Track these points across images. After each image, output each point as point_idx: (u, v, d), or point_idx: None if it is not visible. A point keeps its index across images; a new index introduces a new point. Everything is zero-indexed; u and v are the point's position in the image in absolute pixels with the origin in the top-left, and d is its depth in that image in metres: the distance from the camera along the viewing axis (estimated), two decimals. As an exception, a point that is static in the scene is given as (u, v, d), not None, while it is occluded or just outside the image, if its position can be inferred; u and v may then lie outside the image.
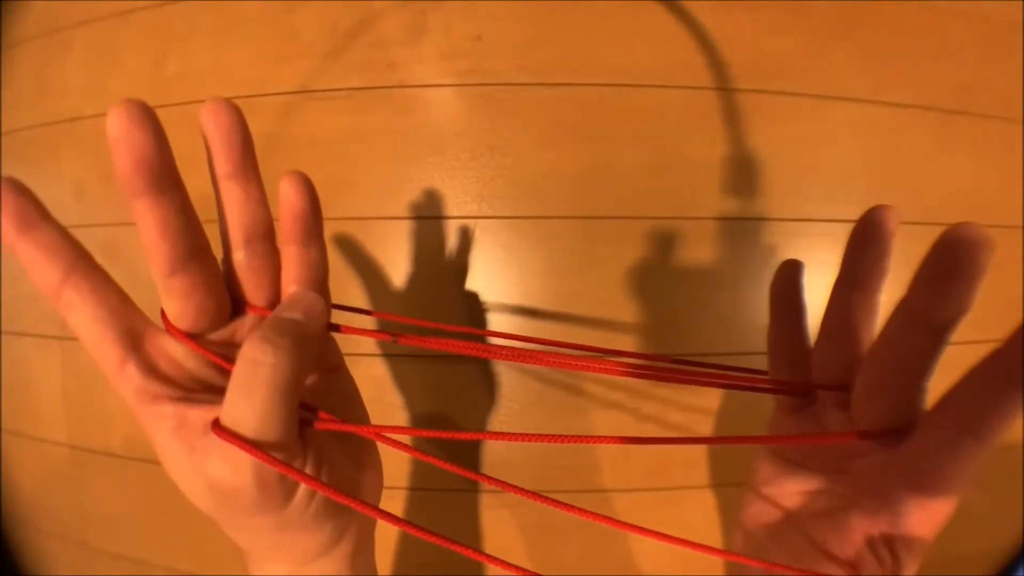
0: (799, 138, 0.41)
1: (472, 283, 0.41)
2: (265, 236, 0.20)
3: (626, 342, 0.41)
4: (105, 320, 0.17)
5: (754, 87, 0.40)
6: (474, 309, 0.41)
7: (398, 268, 0.41)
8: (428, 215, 0.41)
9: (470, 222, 0.41)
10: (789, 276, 0.22)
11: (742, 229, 0.41)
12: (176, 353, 0.19)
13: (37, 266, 0.16)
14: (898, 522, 0.16)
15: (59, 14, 0.47)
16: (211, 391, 0.19)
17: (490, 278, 0.41)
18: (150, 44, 0.45)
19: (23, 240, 0.16)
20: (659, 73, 0.40)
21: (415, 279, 0.41)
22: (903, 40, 0.42)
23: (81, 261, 0.17)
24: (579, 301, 0.41)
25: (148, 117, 0.16)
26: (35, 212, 0.16)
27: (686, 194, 0.40)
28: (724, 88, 0.40)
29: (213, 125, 0.19)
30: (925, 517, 0.16)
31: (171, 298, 0.18)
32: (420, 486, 0.42)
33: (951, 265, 0.15)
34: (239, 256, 0.19)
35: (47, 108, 0.48)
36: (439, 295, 0.41)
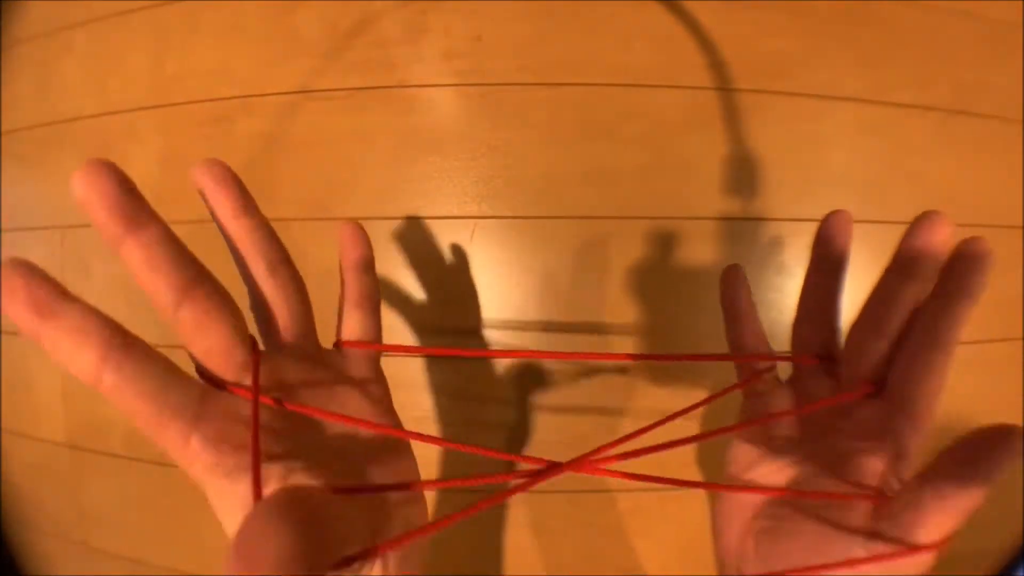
0: (799, 138, 0.41)
1: (472, 283, 0.41)
2: (285, 260, 0.20)
3: (626, 341, 0.41)
4: (155, 397, 0.15)
5: (754, 87, 0.40)
6: (474, 309, 0.41)
7: (398, 268, 0.41)
8: (428, 215, 0.41)
9: (470, 222, 0.41)
10: (734, 279, 0.25)
11: (742, 229, 0.41)
12: (241, 412, 0.17)
13: (67, 354, 0.15)
14: (902, 448, 0.19)
15: (59, 14, 0.47)
16: (283, 439, 0.17)
17: (490, 278, 0.41)
18: (150, 44, 0.45)
19: (46, 328, 0.15)
20: (659, 73, 0.40)
21: (415, 279, 0.41)
22: (903, 40, 0.42)
23: (116, 337, 0.15)
24: (579, 301, 0.41)
25: (110, 170, 0.16)
26: (52, 294, 0.15)
27: (686, 194, 0.40)
28: (724, 88, 0.40)
29: (207, 178, 0.18)
30: (920, 439, 0.19)
31: (186, 335, 0.17)
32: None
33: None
34: (268, 286, 0.19)
35: (47, 108, 0.48)
36: (439, 295, 0.41)
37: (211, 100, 0.43)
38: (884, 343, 0.20)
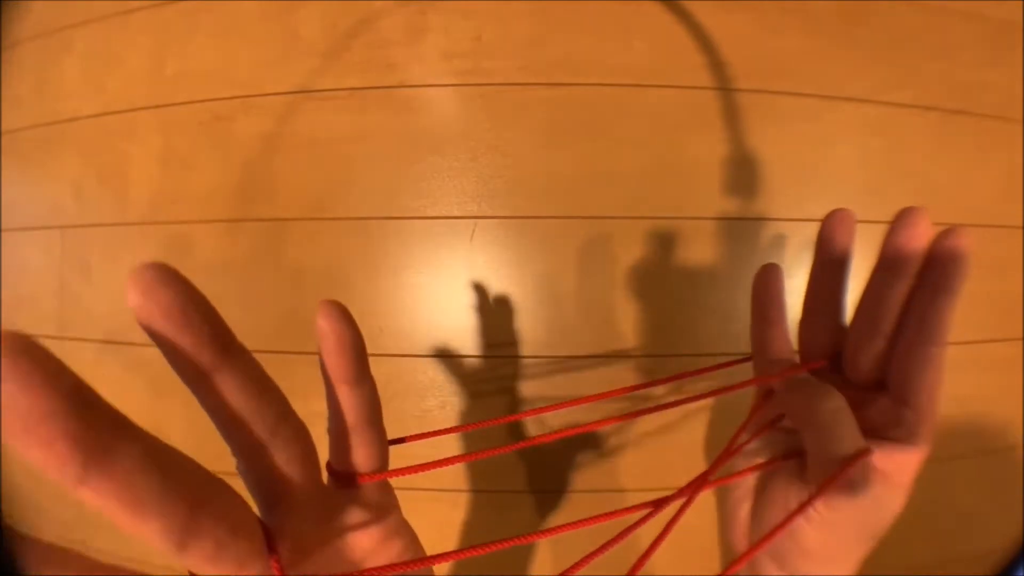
0: (799, 138, 0.41)
1: (471, 283, 0.41)
2: (287, 414, 0.16)
3: (625, 342, 0.41)
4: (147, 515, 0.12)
5: (754, 87, 0.40)
6: (474, 309, 0.41)
7: (398, 268, 0.41)
8: (428, 215, 0.41)
9: (470, 222, 0.41)
10: (770, 278, 0.24)
11: (742, 229, 0.41)
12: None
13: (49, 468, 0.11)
14: (911, 436, 0.20)
15: (59, 14, 0.47)
16: None
17: (490, 278, 0.41)
18: (150, 44, 0.45)
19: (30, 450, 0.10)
20: (659, 73, 0.40)
21: (415, 279, 0.41)
22: (903, 40, 0.42)
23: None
24: (579, 301, 0.41)
25: (39, 361, 0.10)
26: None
27: (686, 194, 0.40)
28: (724, 88, 0.40)
29: (329, 331, 0.16)
30: (928, 429, 0.20)
31: (198, 566, 0.13)
32: (419, 487, 0.42)
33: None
34: (271, 453, 0.16)
35: (47, 108, 0.48)
36: (439, 295, 0.41)
37: (211, 100, 0.43)
38: (881, 340, 0.21)
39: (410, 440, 0.20)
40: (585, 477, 0.42)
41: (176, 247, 0.43)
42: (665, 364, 0.41)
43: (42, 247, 0.47)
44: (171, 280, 0.13)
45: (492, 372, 0.42)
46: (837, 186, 0.41)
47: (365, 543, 0.18)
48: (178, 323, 0.13)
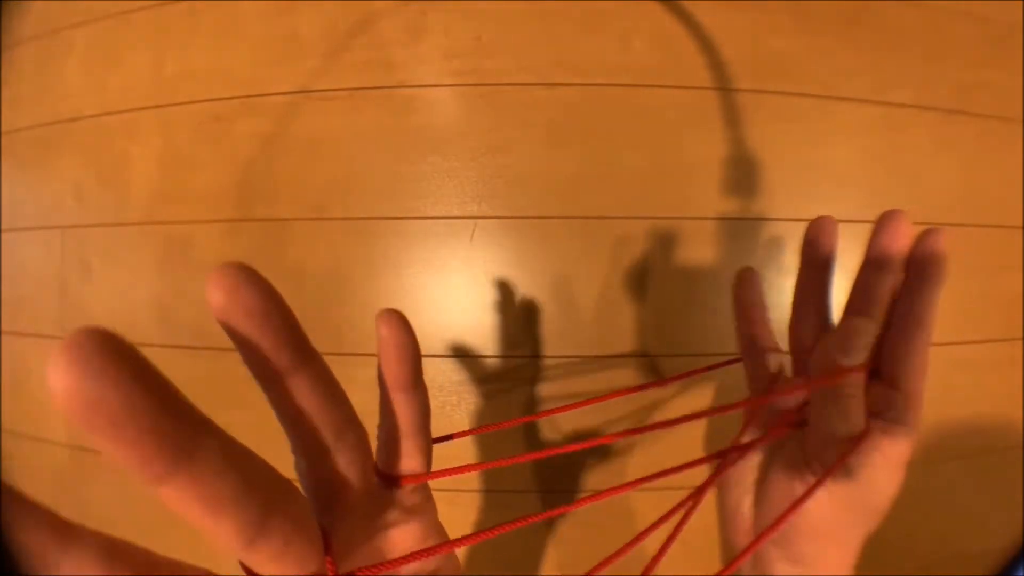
0: (799, 138, 0.41)
1: (472, 283, 0.41)
2: (352, 419, 0.17)
3: (626, 341, 0.41)
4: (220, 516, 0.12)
5: (754, 87, 0.40)
6: (474, 310, 0.41)
7: (398, 268, 0.41)
8: (428, 215, 0.41)
9: (470, 222, 0.41)
10: (748, 282, 0.27)
11: (742, 229, 0.41)
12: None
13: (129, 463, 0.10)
14: (900, 417, 0.21)
15: (59, 14, 0.47)
16: None
17: (490, 278, 0.41)
18: (150, 44, 0.45)
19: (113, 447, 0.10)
20: (659, 73, 0.40)
21: (415, 280, 0.41)
22: (903, 40, 0.42)
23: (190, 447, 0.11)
24: (579, 301, 0.41)
25: (118, 354, 0.10)
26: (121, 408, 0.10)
27: (686, 194, 0.40)
28: (724, 88, 0.40)
29: (388, 337, 0.16)
30: (915, 413, 0.21)
31: (260, 566, 0.14)
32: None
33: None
34: (335, 458, 0.16)
35: (47, 108, 0.48)
36: (439, 295, 0.41)
37: (211, 100, 0.43)
38: (873, 330, 0.22)
39: (457, 437, 0.22)
40: (583, 477, 0.42)
41: (176, 247, 0.43)
42: (665, 364, 0.41)
43: (42, 247, 0.47)
44: (255, 280, 0.13)
45: (492, 372, 0.42)
46: (837, 186, 0.41)
47: (405, 541, 0.18)
48: (259, 324, 0.13)
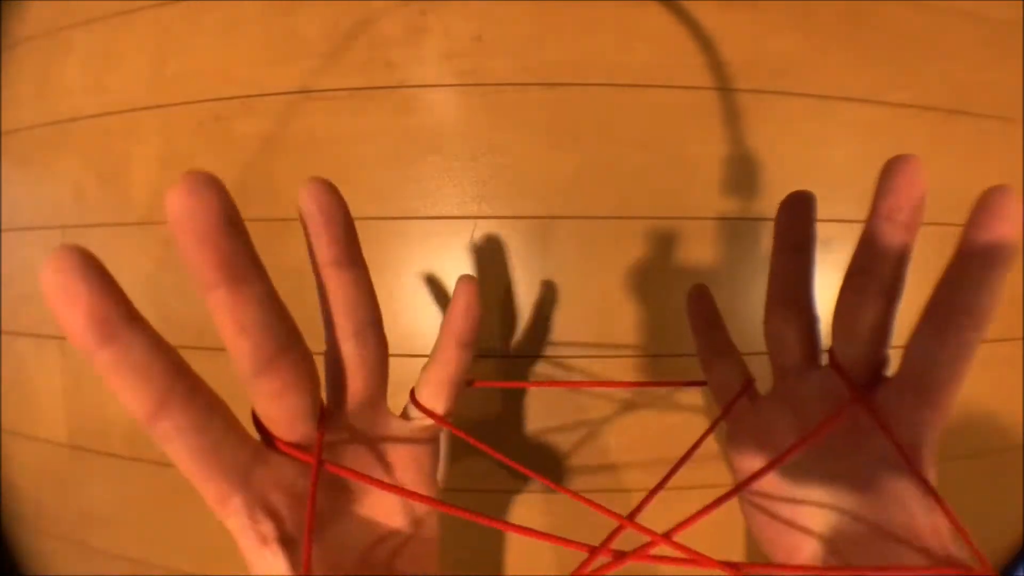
0: (799, 138, 0.41)
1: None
2: (375, 323, 0.18)
3: (626, 342, 0.41)
4: (207, 455, 0.14)
5: (754, 87, 0.40)
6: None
7: (397, 268, 0.41)
8: (428, 215, 0.41)
9: (470, 222, 0.41)
10: (701, 295, 0.26)
11: (742, 229, 0.41)
12: (287, 478, 0.16)
13: (121, 388, 0.13)
14: (921, 438, 0.18)
15: (59, 14, 0.47)
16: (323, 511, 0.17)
17: (490, 278, 0.41)
18: (150, 44, 0.45)
19: (103, 353, 0.12)
20: (659, 73, 0.40)
21: (415, 280, 0.41)
22: (903, 40, 0.42)
23: (180, 382, 0.13)
24: (579, 301, 0.41)
25: (214, 190, 0.13)
26: (119, 313, 0.12)
27: (686, 194, 0.40)
28: (724, 88, 0.40)
29: (314, 207, 0.16)
30: (939, 430, 0.18)
31: (259, 400, 0.16)
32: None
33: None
34: (348, 347, 0.18)
35: (47, 108, 0.48)
36: (438, 296, 0.41)
37: (211, 100, 0.43)
38: (882, 304, 0.18)
39: (478, 385, 0.24)
40: (582, 477, 0.42)
41: (176, 247, 0.43)
42: (666, 364, 0.41)
43: (42, 247, 0.47)
44: (218, 184, 0.14)
45: (492, 372, 0.42)
46: (837, 186, 0.41)
47: (393, 471, 0.20)
48: (324, 221, 0.16)
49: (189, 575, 0.46)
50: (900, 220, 0.17)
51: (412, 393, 0.21)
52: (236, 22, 0.43)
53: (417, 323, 0.41)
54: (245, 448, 0.15)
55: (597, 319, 0.41)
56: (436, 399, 0.21)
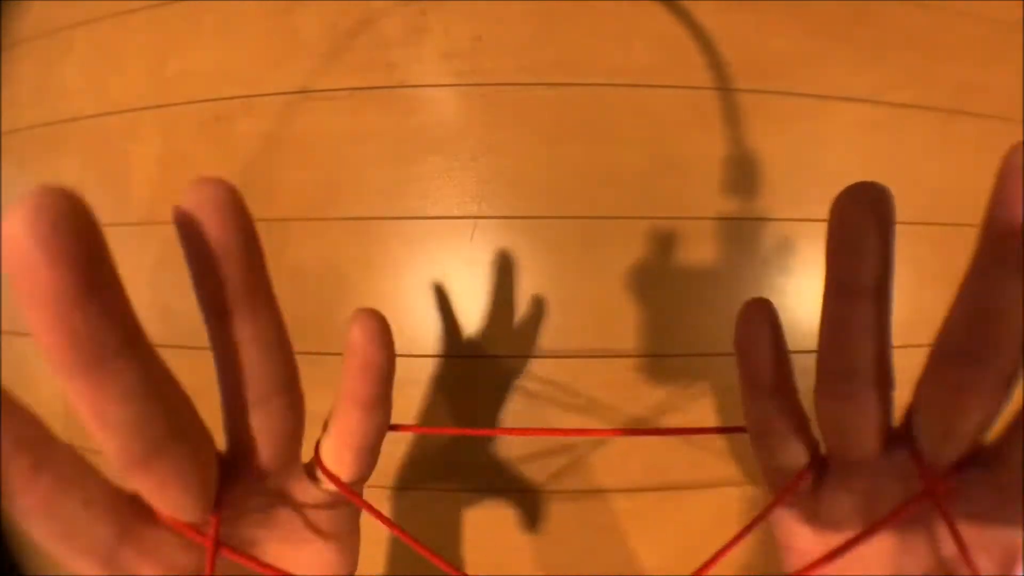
0: (799, 138, 0.41)
1: (471, 284, 0.41)
2: (285, 387, 0.14)
3: (626, 342, 0.41)
4: (62, 540, 0.12)
5: (754, 87, 0.40)
6: (473, 310, 0.41)
7: (398, 268, 0.41)
8: (428, 215, 0.41)
9: (470, 222, 0.41)
10: (756, 317, 0.15)
11: (742, 229, 0.41)
12: (171, 550, 0.14)
13: None
14: (1014, 546, 0.14)
15: (59, 14, 0.47)
16: None
17: (489, 278, 0.41)
18: (150, 44, 0.45)
19: None
20: (659, 73, 0.40)
21: (415, 280, 0.41)
22: (903, 40, 0.42)
23: (19, 456, 0.11)
24: (579, 301, 0.41)
25: (74, 231, 0.09)
26: None
27: (686, 194, 0.40)
28: (724, 88, 0.40)
29: (210, 228, 0.12)
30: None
31: (143, 493, 0.13)
32: (417, 486, 0.42)
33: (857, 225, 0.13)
34: (251, 419, 0.14)
35: (47, 108, 0.48)
36: (438, 296, 0.41)
37: (211, 100, 0.43)
38: (997, 403, 0.13)
39: (403, 430, 0.18)
40: (583, 477, 0.42)
41: (176, 247, 0.43)
42: (665, 364, 0.41)
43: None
44: (238, 202, 0.12)
45: (492, 372, 0.42)
46: (837, 186, 0.41)
47: (306, 552, 0.17)
48: (224, 248, 0.12)
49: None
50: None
51: (317, 449, 0.17)
52: (236, 22, 0.43)
53: (416, 322, 0.41)
54: (111, 528, 0.13)
55: (596, 319, 0.41)
56: (340, 465, 0.16)
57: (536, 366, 0.41)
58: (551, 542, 0.42)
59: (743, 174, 0.40)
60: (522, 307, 0.41)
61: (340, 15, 0.41)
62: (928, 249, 0.41)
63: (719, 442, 0.41)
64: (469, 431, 0.20)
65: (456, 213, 0.41)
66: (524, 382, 0.42)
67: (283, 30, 0.42)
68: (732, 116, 0.40)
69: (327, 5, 0.41)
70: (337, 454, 0.16)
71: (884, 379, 0.14)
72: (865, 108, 0.41)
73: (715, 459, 0.41)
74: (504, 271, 0.41)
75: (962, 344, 0.13)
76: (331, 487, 0.17)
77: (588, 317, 0.41)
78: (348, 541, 0.18)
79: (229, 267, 0.12)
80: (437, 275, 0.41)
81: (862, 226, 0.13)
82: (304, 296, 0.41)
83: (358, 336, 0.14)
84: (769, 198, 0.40)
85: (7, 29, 0.49)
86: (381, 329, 0.15)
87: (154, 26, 0.45)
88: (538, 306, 0.41)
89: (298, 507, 0.16)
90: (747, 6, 0.40)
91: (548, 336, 0.41)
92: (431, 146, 0.41)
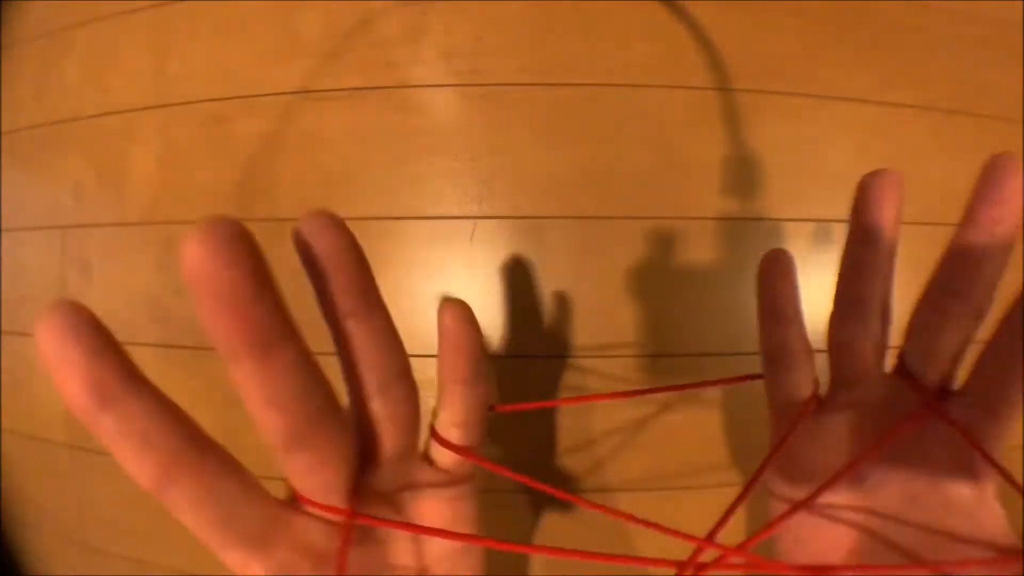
0: (799, 138, 0.41)
1: (471, 283, 0.41)
2: (402, 375, 0.16)
3: (626, 342, 0.41)
4: (220, 524, 0.13)
5: (754, 87, 0.40)
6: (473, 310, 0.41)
7: (398, 268, 0.41)
8: (428, 215, 0.41)
9: (470, 222, 0.41)
10: (779, 265, 0.21)
11: (742, 229, 0.41)
12: (313, 539, 0.15)
13: (123, 455, 0.12)
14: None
15: (59, 14, 0.47)
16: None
17: (489, 278, 0.41)
18: (150, 44, 0.45)
19: (102, 418, 0.11)
20: (659, 73, 0.40)
21: (415, 280, 0.41)
22: (903, 40, 0.42)
23: (186, 448, 0.12)
24: (579, 301, 0.41)
25: (241, 245, 0.11)
26: (118, 376, 0.11)
27: (686, 194, 0.40)
28: (724, 88, 0.40)
29: (324, 249, 0.14)
30: (1000, 448, 0.17)
31: (291, 474, 0.15)
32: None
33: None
34: (374, 405, 0.16)
35: (47, 108, 0.48)
36: (438, 296, 0.41)
37: (211, 100, 0.43)
38: (968, 329, 0.17)
39: (503, 410, 0.22)
40: (582, 477, 0.42)
41: (176, 247, 0.43)
42: (665, 364, 0.41)
43: (42, 247, 0.47)
44: (340, 225, 0.14)
45: (492, 371, 0.42)
46: (837, 186, 0.41)
47: (432, 519, 0.19)
48: (336, 264, 0.14)
49: (189, 575, 0.46)
50: (1000, 233, 0.16)
51: (432, 430, 0.19)
52: (236, 22, 0.43)
53: (416, 322, 0.41)
54: (264, 512, 0.14)
55: (596, 320, 0.41)
56: (454, 439, 0.19)
57: (536, 365, 0.41)
58: (551, 542, 0.42)
59: (743, 174, 0.40)
60: (522, 307, 0.41)
61: (340, 15, 0.41)
62: (927, 249, 0.41)
63: (719, 443, 0.41)
64: (564, 401, 0.24)
65: (456, 213, 0.41)
66: (524, 381, 0.42)
67: (283, 30, 0.42)
68: (732, 116, 0.40)
69: (327, 5, 0.41)
70: (446, 432, 0.19)
71: (886, 311, 0.18)
72: (865, 108, 0.41)
73: (715, 460, 0.41)
74: (504, 271, 0.41)
75: (943, 277, 0.18)
76: (448, 465, 0.19)
77: (588, 317, 0.41)
78: (466, 524, 0.20)
79: (343, 277, 0.14)
80: (437, 275, 0.41)
81: (885, 187, 0.18)
82: (304, 296, 0.41)
83: (448, 320, 0.18)
84: (769, 198, 0.41)
85: (7, 29, 0.49)
86: (467, 312, 0.18)
87: (154, 26, 0.45)
88: (537, 306, 0.41)
89: (419, 491, 0.18)
90: (747, 6, 0.40)
91: (548, 335, 0.41)
92: (431, 146, 0.41)
